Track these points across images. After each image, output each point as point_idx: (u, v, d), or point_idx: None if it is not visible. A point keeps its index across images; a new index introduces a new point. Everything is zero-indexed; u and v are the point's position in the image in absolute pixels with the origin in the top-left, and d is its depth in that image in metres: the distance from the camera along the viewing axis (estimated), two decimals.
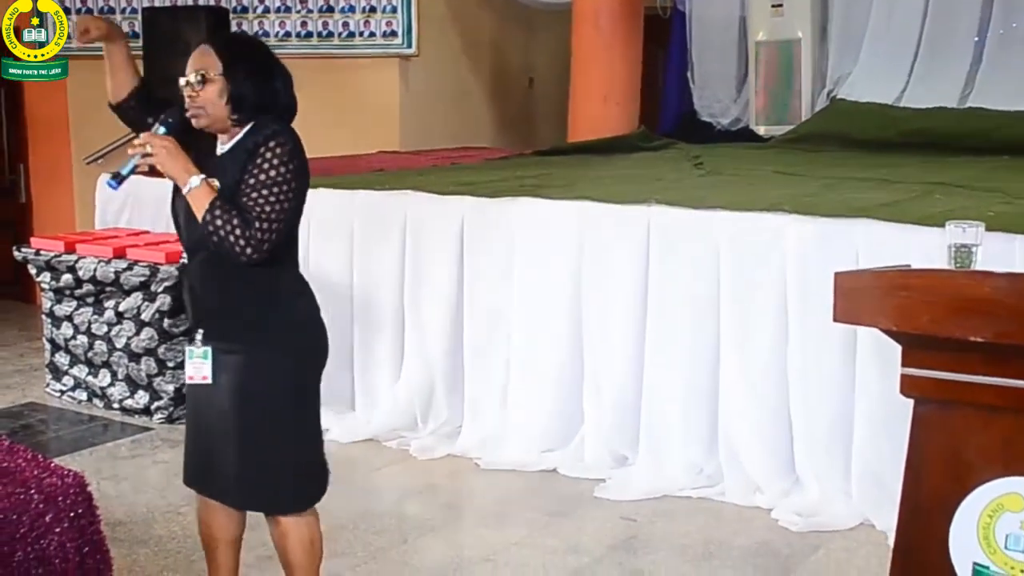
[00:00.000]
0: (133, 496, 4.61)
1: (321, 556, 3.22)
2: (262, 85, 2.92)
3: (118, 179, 2.90)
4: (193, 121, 2.91)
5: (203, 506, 3.21)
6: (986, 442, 2.40)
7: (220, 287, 2.96)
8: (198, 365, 2.97)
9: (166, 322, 5.64)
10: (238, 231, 2.79)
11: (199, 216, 2.81)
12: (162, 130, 2.89)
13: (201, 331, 2.99)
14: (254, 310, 2.97)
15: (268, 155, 2.84)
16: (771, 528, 4.32)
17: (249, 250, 2.81)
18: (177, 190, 2.97)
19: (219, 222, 2.79)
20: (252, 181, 2.83)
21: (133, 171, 2.89)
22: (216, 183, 2.85)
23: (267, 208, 2.82)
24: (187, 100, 2.90)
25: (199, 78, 2.88)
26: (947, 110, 7.95)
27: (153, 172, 2.98)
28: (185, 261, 3.02)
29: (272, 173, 2.83)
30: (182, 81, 2.91)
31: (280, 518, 3.12)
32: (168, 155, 2.82)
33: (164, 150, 2.82)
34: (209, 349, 2.96)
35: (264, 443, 3.01)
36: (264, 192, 2.82)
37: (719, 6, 9.37)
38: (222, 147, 2.96)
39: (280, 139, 2.86)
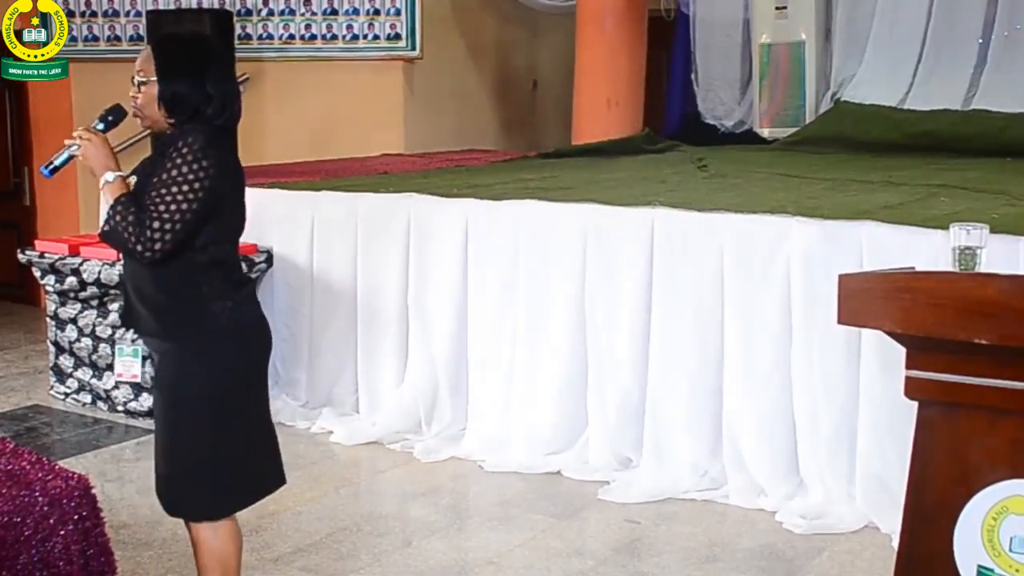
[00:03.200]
0: (137, 499, 4.60)
1: (232, 568, 3.12)
2: (192, 88, 2.91)
3: (50, 168, 2.94)
4: (138, 122, 2.97)
5: None
6: (991, 444, 2.40)
7: (145, 287, 2.95)
8: (128, 363, 3.03)
9: None
10: (131, 228, 2.79)
11: (102, 212, 2.85)
12: (100, 125, 2.95)
13: (133, 330, 2.99)
14: (178, 312, 2.95)
15: (174, 155, 2.85)
16: (775, 531, 4.32)
17: (140, 248, 2.80)
18: None
19: (117, 218, 2.81)
20: (156, 179, 2.84)
21: (67, 162, 2.94)
22: (133, 180, 2.90)
23: (161, 207, 2.80)
24: (132, 101, 2.97)
25: (138, 81, 2.93)
26: (951, 112, 7.95)
27: None
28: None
29: (174, 173, 2.82)
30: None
31: (193, 526, 3.08)
32: (92, 148, 2.87)
33: (89, 143, 2.87)
34: (139, 348, 2.98)
35: (181, 443, 3.00)
36: (163, 191, 2.81)
37: (723, 8, 9.37)
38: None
39: (190, 139, 2.86)
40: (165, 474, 3.06)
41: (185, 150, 2.84)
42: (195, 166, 2.83)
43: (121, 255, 3.04)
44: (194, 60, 2.96)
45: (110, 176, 2.85)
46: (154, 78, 2.90)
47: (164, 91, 2.90)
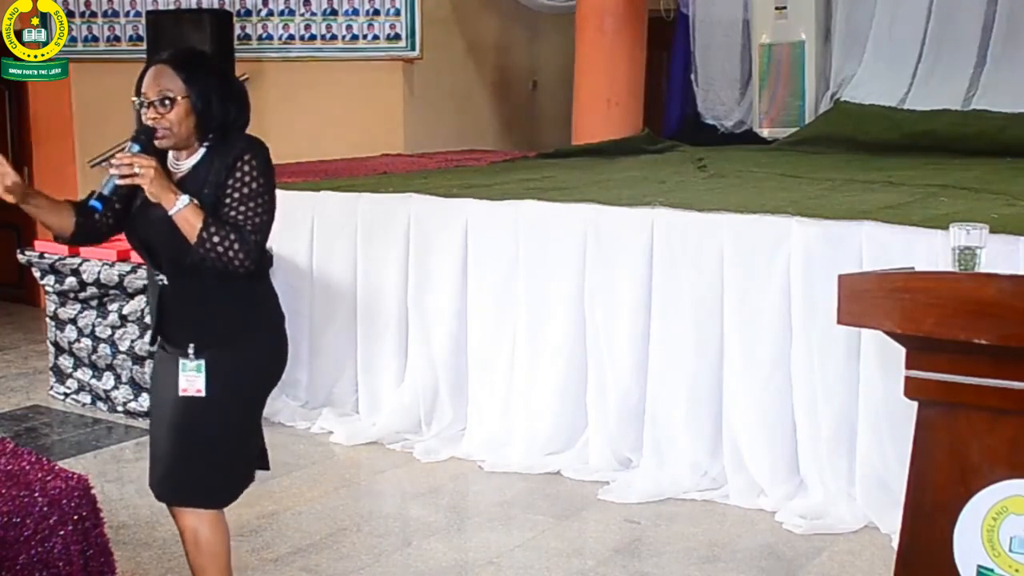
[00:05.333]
0: (137, 499, 4.61)
1: (224, 565, 3.18)
2: (223, 102, 2.98)
3: (101, 200, 2.93)
4: (158, 142, 2.94)
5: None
6: (991, 444, 2.39)
7: (205, 301, 3.00)
8: (192, 378, 3.01)
9: None
10: (237, 245, 2.86)
11: (192, 235, 2.84)
12: (136, 148, 2.89)
13: (193, 345, 3.00)
14: (238, 319, 3.04)
15: (247, 168, 2.93)
16: (775, 531, 4.32)
17: (248, 262, 2.89)
18: (137, 215, 3.02)
19: (216, 238, 2.85)
20: (236, 195, 2.92)
21: (115, 191, 2.91)
22: (195, 202, 2.88)
23: (256, 219, 2.93)
24: (150, 122, 2.92)
25: (163, 101, 2.91)
26: (951, 112, 7.95)
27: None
28: (163, 281, 3.03)
29: (254, 186, 2.93)
30: (139, 101, 2.94)
31: (184, 514, 3.12)
32: (157, 177, 2.83)
33: (152, 170, 2.82)
34: (203, 363, 3.00)
35: (215, 436, 3.04)
36: (251, 204, 2.92)
37: (722, 8, 9.37)
38: (179, 163, 3.00)
39: (254, 152, 2.96)
40: (183, 464, 3.06)
41: (255, 162, 2.94)
42: (266, 177, 2.96)
43: (165, 280, 3.03)
44: (214, 70, 3.04)
45: (186, 199, 2.85)
46: (183, 95, 2.91)
47: (198, 104, 2.92)
